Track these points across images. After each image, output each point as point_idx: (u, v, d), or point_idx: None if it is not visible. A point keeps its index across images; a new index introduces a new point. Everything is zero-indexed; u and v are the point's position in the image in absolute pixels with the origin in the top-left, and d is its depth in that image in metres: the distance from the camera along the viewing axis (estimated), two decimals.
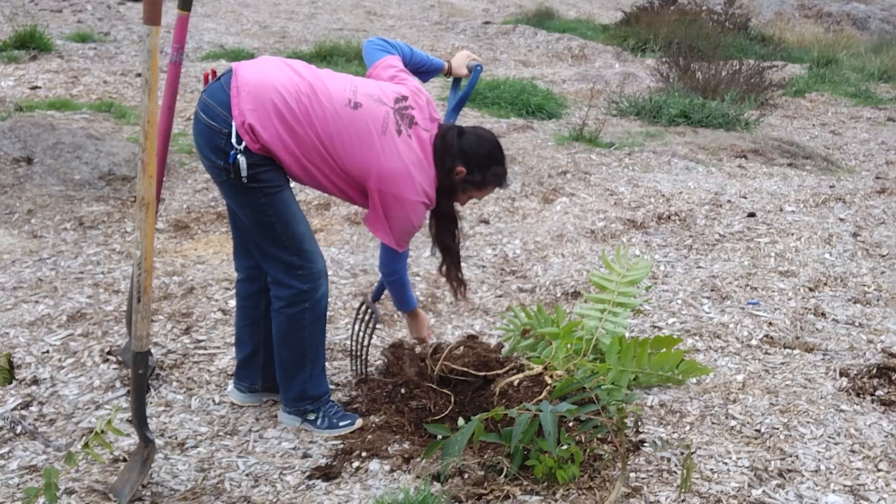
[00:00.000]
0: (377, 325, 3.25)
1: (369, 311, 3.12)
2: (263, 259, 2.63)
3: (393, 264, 2.80)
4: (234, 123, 2.41)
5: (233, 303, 3.66)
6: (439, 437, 2.59)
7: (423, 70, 2.90)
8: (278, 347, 2.71)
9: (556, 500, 2.35)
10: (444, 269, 2.92)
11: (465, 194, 2.77)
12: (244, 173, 2.43)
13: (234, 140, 2.41)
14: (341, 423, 2.78)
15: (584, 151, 6.53)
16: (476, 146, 2.68)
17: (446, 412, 2.84)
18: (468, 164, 2.67)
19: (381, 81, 2.66)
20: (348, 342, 3.38)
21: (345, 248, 4.40)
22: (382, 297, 3.20)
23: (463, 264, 4.23)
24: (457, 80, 3.05)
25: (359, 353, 3.11)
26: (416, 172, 2.58)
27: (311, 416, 2.77)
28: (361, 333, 3.10)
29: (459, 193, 2.76)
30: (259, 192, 2.49)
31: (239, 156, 2.41)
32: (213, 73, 2.58)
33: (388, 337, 3.47)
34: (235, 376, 2.94)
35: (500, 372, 2.93)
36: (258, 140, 2.42)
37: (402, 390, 2.95)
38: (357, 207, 4.96)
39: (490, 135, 2.76)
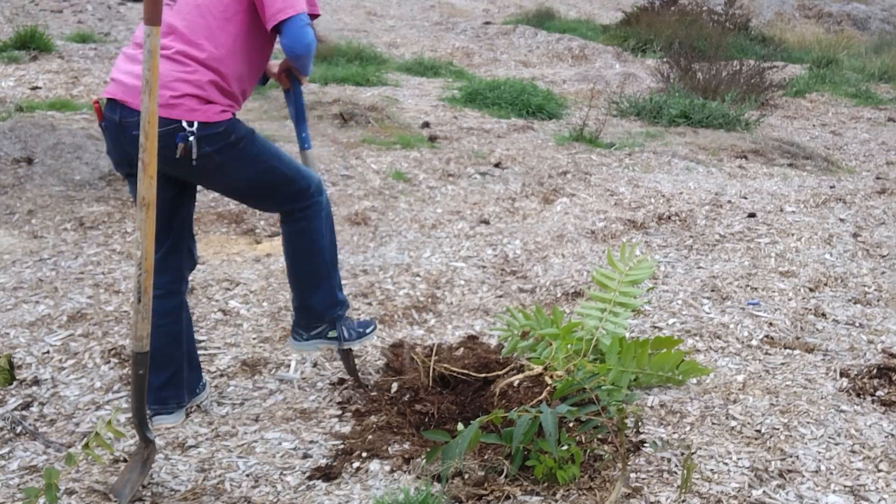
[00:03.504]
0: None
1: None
2: (277, 205, 2.74)
3: (311, 35, 2.57)
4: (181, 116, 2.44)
5: (234, 303, 3.67)
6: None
7: None
8: (304, 265, 2.79)
9: (556, 501, 2.35)
10: None
11: None
12: (196, 153, 2.45)
13: (185, 126, 2.44)
14: (367, 330, 2.90)
15: (584, 152, 6.54)
16: None
17: (447, 413, 2.84)
18: None
19: None
20: None
21: (345, 249, 4.40)
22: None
23: (463, 265, 4.25)
24: (287, 91, 2.96)
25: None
26: None
27: (334, 334, 2.85)
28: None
29: None
30: (248, 144, 2.56)
31: (191, 137, 2.44)
32: (96, 102, 2.57)
33: (389, 337, 3.47)
34: (158, 401, 2.71)
35: (500, 373, 2.93)
36: (201, 90, 2.46)
37: (404, 392, 2.95)
38: (357, 208, 4.97)
39: None
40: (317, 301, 2.83)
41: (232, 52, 2.53)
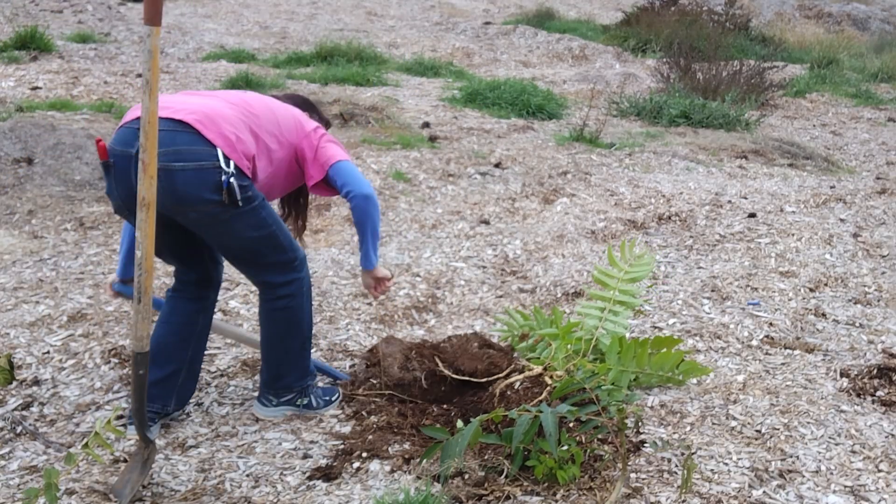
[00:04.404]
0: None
1: None
2: (261, 273, 2.67)
3: (366, 182, 2.71)
4: (218, 151, 2.40)
5: (234, 303, 3.67)
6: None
7: None
8: (282, 341, 2.75)
9: (556, 501, 2.35)
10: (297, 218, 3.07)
11: None
12: (239, 195, 2.43)
13: (223, 165, 2.40)
14: (333, 398, 2.91)
15: (584, 152, 6.54)
16: (302, 101, 2.98)
17: (449, 414, 2.83)
18: (307, 109, 2.93)
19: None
20: (349, 343, 3.38)
21: (345, 249, 4.40)
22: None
23: (463, 265, 4.25)
24: None
25: None
26: None
27: (304, 401, 2.84)
28: None
29: None
30: (259, 208, 2.54)
31: (232, 179, 2.40)
32: (99, 140, 2.45)
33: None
34: None
35: (500, 376, 2.92)
36: (245, 154, 2.49)
37: (404, 392, 2.95)
38: None
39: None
40: (291, 375, 2.81)
41: (271, 158, 2.63)
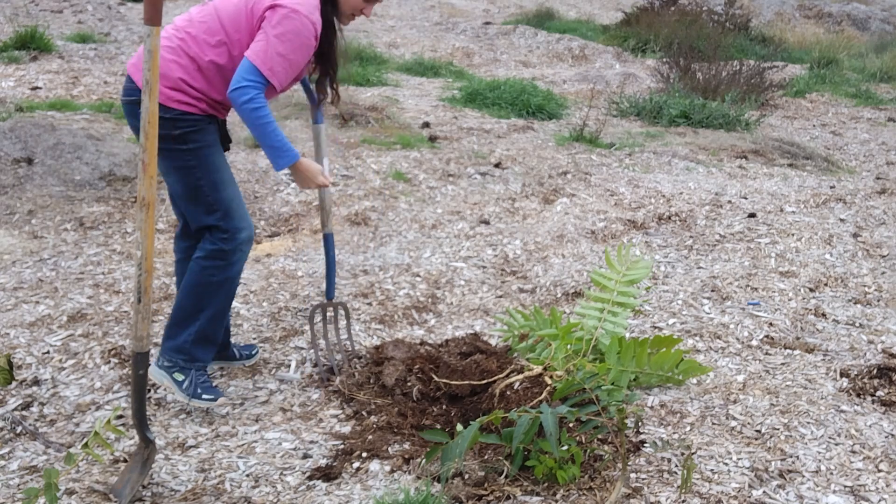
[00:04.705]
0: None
1: (336, 308, 3.30)
2: (194, 221, 2.79)
3: (252, 83, 2.53)
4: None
5: (234, 303, 3.66)
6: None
7: None
8: (181, 294, 2.81)
9: (556, 501, 2.35)
10: (322, 79, 2.90)
11: (348, 4, 2.78)
12: (160, 129, 2.45)
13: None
14: (204, 396, 2.80)
15: (584, 152, 6.54)
16: None
17: (449, 415, 2.83)
18: None
19: None
20: (347, 343, 3.38)
21: (345, 249, 4.40)
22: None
23: (463, 265, 4.25)
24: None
25: (346, 350, 3.19)
26: None
27: (179, 378, 2.81)
28: (338, 333, 3.27)
29: (342, 6, 2.78)
30: (187, 154, 2.65)
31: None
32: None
33: (389, 338, 3.47)
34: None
35: (500, 376, 2.92)
36: (171, 85, 2.60)
37: (404, 392, 2.95)
38: (357, 208, 4.97)
39: None
40: (170, 341, 2.80)
41: (223, 65, 2.67)
